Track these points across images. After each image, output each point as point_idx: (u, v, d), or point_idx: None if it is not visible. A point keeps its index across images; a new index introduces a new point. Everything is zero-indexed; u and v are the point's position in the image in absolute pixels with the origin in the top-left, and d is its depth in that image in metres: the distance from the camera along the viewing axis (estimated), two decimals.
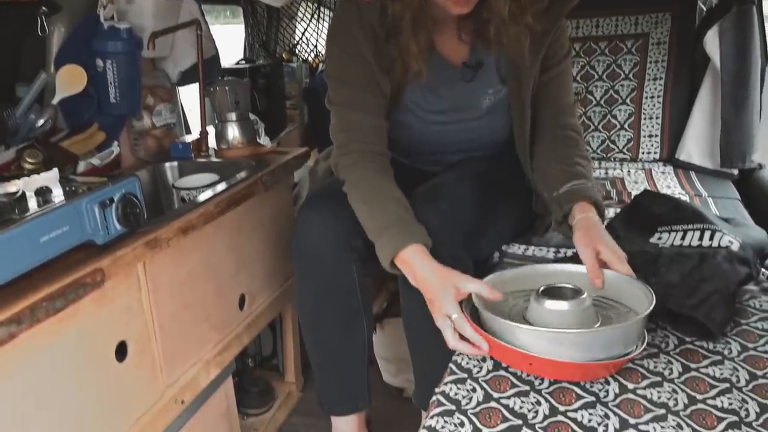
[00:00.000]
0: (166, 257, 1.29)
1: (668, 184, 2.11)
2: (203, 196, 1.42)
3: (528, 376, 1.15)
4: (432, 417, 1.06)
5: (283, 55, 2.45)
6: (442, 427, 1.03)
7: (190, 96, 2.11)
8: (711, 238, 1.36)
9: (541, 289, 1.17)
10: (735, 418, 1.01)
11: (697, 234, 1.38)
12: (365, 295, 1.53)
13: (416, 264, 1.24)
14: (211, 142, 1.83)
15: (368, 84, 1.41)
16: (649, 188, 2.08)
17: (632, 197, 1.61)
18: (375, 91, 1.42)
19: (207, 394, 1.45)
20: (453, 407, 1.07)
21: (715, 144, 2.15)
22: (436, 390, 1.16)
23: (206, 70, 1.79)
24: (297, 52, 2.53)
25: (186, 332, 1.37)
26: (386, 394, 1.90)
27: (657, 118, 2.30)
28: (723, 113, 2.08)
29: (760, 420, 1.01)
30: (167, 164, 1.73)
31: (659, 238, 1.41)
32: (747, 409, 1.03)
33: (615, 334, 1.10)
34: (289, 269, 1.79)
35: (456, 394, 1.11)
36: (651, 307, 1.10)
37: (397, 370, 1.95)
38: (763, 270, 1.40)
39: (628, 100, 2.33)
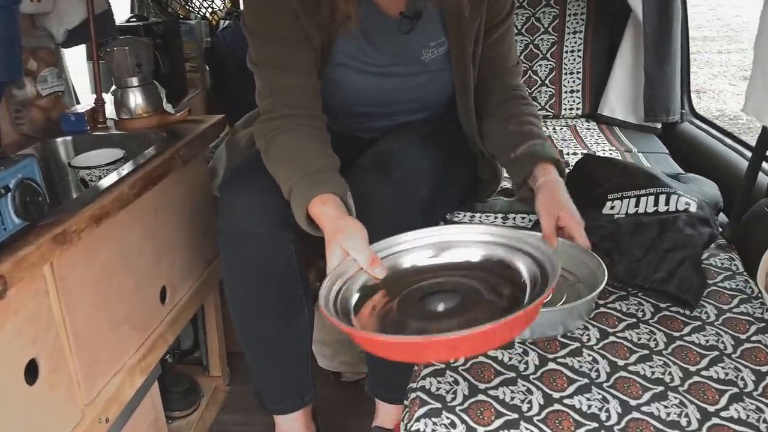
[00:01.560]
0: (77, 253, 1.07)
1: (596, 140, 2.07)
2: (112, 177, 1.20)
3: (510, 360, 1.05)
4: (417, 419, 0.93)
5: (179, 11, 2.19)
6: (433, 431, 0.90)
7: (73, 60, 1.84)
8: (667, 202, 1.31)
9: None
10: (735, 390, 0.97)
11: (652, 199, 1.32)
12: (305, 277, 1.37)
13: (323, 216, 1.08)
14: (109, 111, 1.58)
15: (295, 37, 1.24)
16: (577, 144, 2.04)
17: (574, 164, 1.52)
18: (303, 45, 1.25)
19: (132, 406, 1.25)
20: (438, 405, 0.95)
21: (638, 98, 2.12)
22: (413, 385, 1.03)
23: (97, 27, 1.53)
24: (192, 7, 2.27)
25: (104, 338, 1.16)
26: (323, 380, 1.75)
27: (578, 72, 2.26)
28: (646, 67, 2.05)
29: (759, 389, 0.97)
30: (59, 140, 1.47)
31: (612, 207, 1.34)
32: (743, 378, 0.99)
33: (558, 314, 1.05)
34: (208, 254, 1.60)
35: (438, 389, 0.99)
36: (601, 287, 1.04)
37: (333, 353, 1.81)
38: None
39: (548, 55, 2.26)
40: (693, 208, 1.30)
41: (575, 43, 2.24)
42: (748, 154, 1.70)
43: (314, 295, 1.72)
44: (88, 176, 1.37)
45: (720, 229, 1.37)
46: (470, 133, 1.44)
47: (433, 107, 1.46)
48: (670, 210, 1.29)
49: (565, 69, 2.26)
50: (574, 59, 2.25)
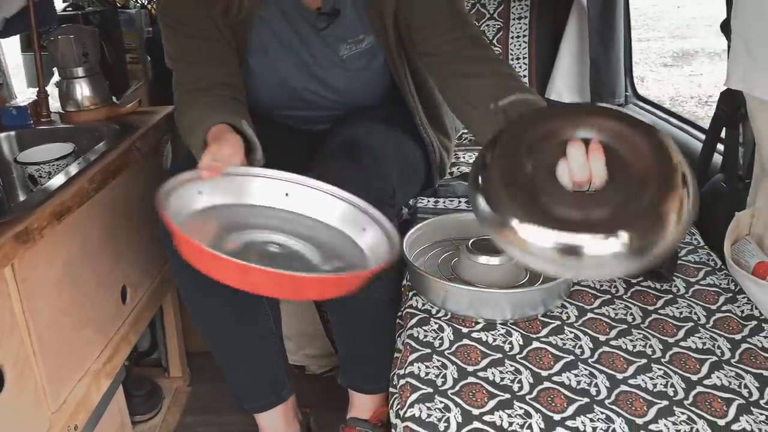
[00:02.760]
0: (38, 252, 1.01)
1: None
2: (70, 170, 1.13)
3: (494, 341, 1.05)
4: (411, 405, 0.92)
5: (116, 0, 2.09)
6: (428, 416, 0.89)
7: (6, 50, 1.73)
8: None
9: (471, 242, 1.17)
10: (714, 358, 1.00)
11: None
12: None
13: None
14: (53, 104, 1.49)
15: (205, 27, 1.19)
16: None
17: None
18: (215, 35, 1.21)
19: (100, 411, 1.19)
20: (430, 389, 0.94)
21: (583, 81, 2.16)
22: (399, 372, 1.02)
23: (37, 16, 1.44)
24: None
25: (69, 341, 1.10)
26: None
27: (524, 58, 2.27)
28: (591, 52, 2.08)
29: (736, 356, 1.00)
30: (1, 135, 1.39)
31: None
32: (719, 347, 1.02)
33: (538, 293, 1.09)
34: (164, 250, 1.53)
35: (427, 374, 0.97)
36: None
37: (296, 347, 1.77)
38: None
39: (494, 41, 2.27)
40: None
41: (521, 28, 2.26)
42: (695, 132, 1.76)
43: None
44: (37, 172, 1.29)
45: None
46: (421, 122, 1.40)
47: (369, 100, 1.41)
48: None
49: (511, 54, 2.27)
50: (520, 45, 2.27)
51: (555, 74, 2.22)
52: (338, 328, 1.33)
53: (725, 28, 1.17)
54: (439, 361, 1.00)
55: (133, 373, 1.62)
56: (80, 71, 1.44)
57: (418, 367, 0.99)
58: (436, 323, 1.08)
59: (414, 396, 0.93)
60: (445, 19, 1.19)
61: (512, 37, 2.27)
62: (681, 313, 1.10)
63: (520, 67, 2.29)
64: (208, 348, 1.33)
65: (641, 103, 2.17)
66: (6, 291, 0.94)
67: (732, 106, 1.26)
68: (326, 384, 1.72)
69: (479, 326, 1.08)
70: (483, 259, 1.15)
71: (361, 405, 1.37)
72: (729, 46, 1.20)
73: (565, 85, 2.21)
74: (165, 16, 1.21)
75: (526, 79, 2.28)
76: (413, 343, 1.04)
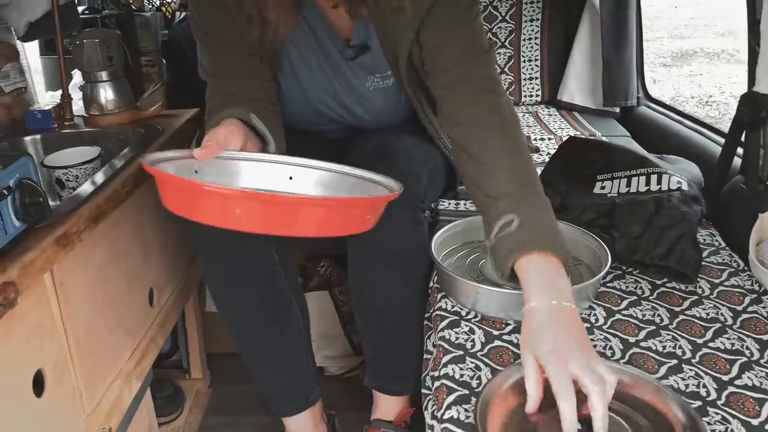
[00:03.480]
0: (75, 256, 1.01)
1: (559, 125, 2.11)
2: (99, 176, 1.14)
3: None
4: (449, 407, 0.93)
5: (132, 3, 2.10)
6: (467, 417, 0.90)
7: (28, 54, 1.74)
8: (659, 182, 1.34)
9: None
10: (743, 359, 1.01)
11: (643, 179, 1.35)
12: (290, 272, 1.32)
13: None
14: (75, 108, 1.50)
15: (239, 43, 1.17)
16: (542, 130, 2.07)
17: (559, 146, 1.55)
18: (249, 50, 1.19)
19: (131, 414, 1.20)
20: (466, 391, 0.95)
21: (596, 83, 2.18)
22: (434, 374, 1.03)
23: (61, 20, 1.45)
24: None
25: (102, 343, 1.11)
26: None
27: (536, 60, 2.29)
28: (604, 53, 2.10)
29: (765, 356, 1.01)
30: (27, 138, 1.39)
31: (602, 188, 1.37)
32: (748, 347, 1.03)
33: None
34: (187, 253, 1.54)
35: (461, 375, 0.99)
36: (606, 268, 1.13)
37: (316, 348, 1.77)
38: None
39: (507, 43, 2.29)
40: (685, 187, 1.34)
41: (533, 30, 2.28)
42: (710, 134, 1.77)
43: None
44: (64, 176, 1.30)
45: None
46: (443, 142, 1.41)
47: (390, 121, 1.43)
48: (662, 189, 1.33)
49: (523, 56, 2.29)
50: (532, 47, 2.29)
51: (567, 76, 2.25)
52: (366, 329, 1.33)
53: (754, 29, 1.19)
54: (472, 363, 1.01)
55: (155, 375, 1.63)
56: (104, 75, 1.45)
57: (452, 369, 1.00)
58: (466, 325, 1.09)
59: (451, 398, 0.94)
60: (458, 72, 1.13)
61: (524, 40, 2.29)
62: (708, 314, 1.12)
63: (532, 69, 2.31)
64: (232, 350, 1.34)
65: (653, 105, 2.19)
66: (46, 296, 0.95)
67: (754, 109, 1.27)
68: (347, 385, 1.74)
69: (509, 327, 1.09)
70: None
71: (387, 406, 1.38)
72: (752, 49, 1.22)
73: (578, 86, 2.23)
74: (198, 27, 1.19)
75: (537, 81, 2.31)
76: (446, 345, 1.05)
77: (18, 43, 1.51)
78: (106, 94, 1.46)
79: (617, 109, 2.19)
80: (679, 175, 1.37)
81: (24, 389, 0.89)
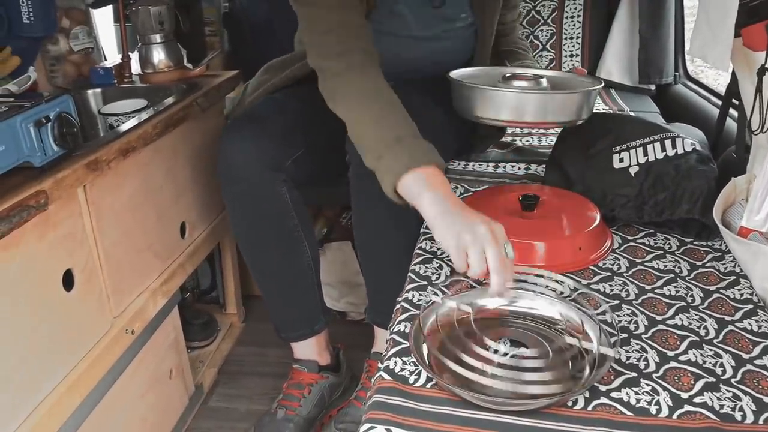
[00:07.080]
0: (107, 181, 1.22)
1: None
2: (138, 119, 1.34)
3: (485, 279, 1.16)
4: (398, 322, 1.07)
5: None
6: (410, 331, 1.04)
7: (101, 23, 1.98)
8: (674, 146, 1.35)
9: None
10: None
11: (658, 145, 1.35)
12: (303, 214, 1.48)
13: (440, 195, 1.04)
14: (134, 67, 1.72)
15: None
16: None
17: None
18: None
19: (155, 324, 1.41)
20: (417, 312, 1.08)
21: (633, 61, 2.22)
22: (398, 299, 1.17)
23: None
24: None
25: (131, 260, 1.32)
26: (330, 319, 1.89)
27: (578, 37, 2.35)
28: (641, 30, 2.14)
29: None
30: (89, 91, 1.62)
31: (621, 160, 1.36)
32: None
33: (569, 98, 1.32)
34: (221, 200, 1.74)
35: (419, 300, 1.12)
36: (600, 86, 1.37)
37: (339, 294, 1.95)
38: None
39: (549, 21, 2.36)
40: (699, 147, 1.35)
41: (575, 9, 2.34)
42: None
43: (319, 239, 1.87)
44: (116, 122, 1.52)
45: None
46: None
47: (450, 68, 1.50)
48: (678, 152, 1.34)
49: (565, 34, 2.36)
50: (574, 24, 2.35)
51: (606, 53, 2.30)
52: (365, 268, 1.48)
53: None
54: (432, 291, 1.14)
55: (194, 307, 1.85)
56: (157, 38, 1.66)
57: (413, 294, 1.14)
58: (437, 262, 1.23)
59: (403, 315, 1.08)
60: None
61: (567, 17, 2.36)
62: (726, 268, 1.16)
63: (573, 46, 2.37)
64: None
65: (690, 84, 2.20)
66: (78, 210, 1.15)
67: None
68: (364, 329, 1.88)
69: None
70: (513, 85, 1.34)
71: (383, 340, 1.52)
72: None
73: (615, 64, 2.28)
74: None
75: (578, 58, 2.37)
76: (414, 276, 1.19)
77: (89, 11, 1.74)
78: (158, 54, 1.67)
79: (653, 87, 2.23)
80: (692, 138, 1.41)
81: (54, 282, 1.10)
